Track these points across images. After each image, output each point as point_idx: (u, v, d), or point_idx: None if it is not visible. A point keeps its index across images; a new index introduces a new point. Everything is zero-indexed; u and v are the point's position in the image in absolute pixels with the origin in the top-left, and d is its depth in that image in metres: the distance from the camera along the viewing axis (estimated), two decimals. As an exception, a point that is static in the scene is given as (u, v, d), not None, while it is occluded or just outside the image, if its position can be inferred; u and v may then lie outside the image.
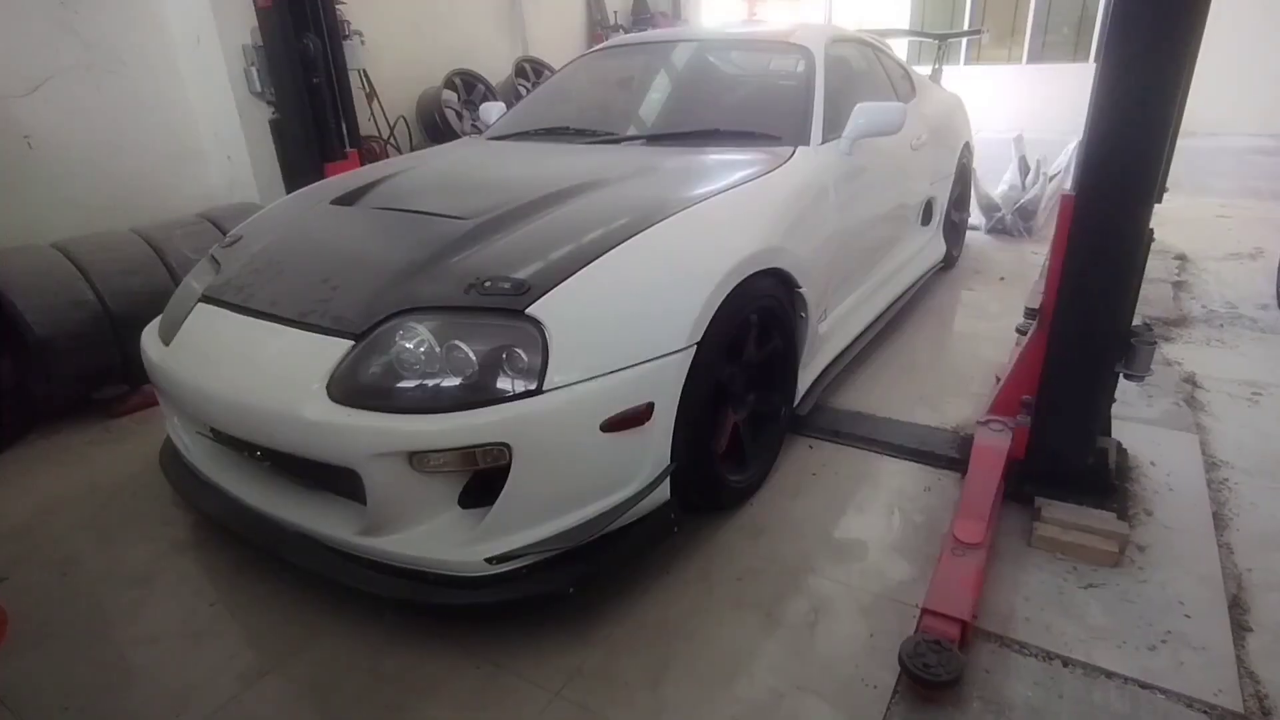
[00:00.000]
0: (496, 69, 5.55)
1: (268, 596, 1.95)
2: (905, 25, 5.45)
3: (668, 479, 1.84)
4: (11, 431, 2.85)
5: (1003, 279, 4.22)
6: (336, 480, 1.74)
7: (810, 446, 2.53)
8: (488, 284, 1.72)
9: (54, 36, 3.31)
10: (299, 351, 1.75)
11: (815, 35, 3.05)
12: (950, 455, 2.41)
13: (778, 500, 2.25)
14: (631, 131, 2.87)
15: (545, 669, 1.68)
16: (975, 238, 5.01)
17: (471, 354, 1.62)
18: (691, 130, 2.72)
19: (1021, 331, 3.02)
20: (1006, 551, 1.98)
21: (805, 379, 2.53)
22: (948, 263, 4.21)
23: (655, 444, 1.78)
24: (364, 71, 4.32)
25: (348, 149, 3.69)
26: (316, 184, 2.81)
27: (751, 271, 2.00)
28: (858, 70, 3.45)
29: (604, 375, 1.66)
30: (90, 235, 3.24)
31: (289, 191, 3.75)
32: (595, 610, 1.83)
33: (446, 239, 1.94)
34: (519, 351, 1.62)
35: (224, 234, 3.19)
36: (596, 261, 1.78)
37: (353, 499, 1.75)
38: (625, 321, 1.73)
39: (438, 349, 1.65)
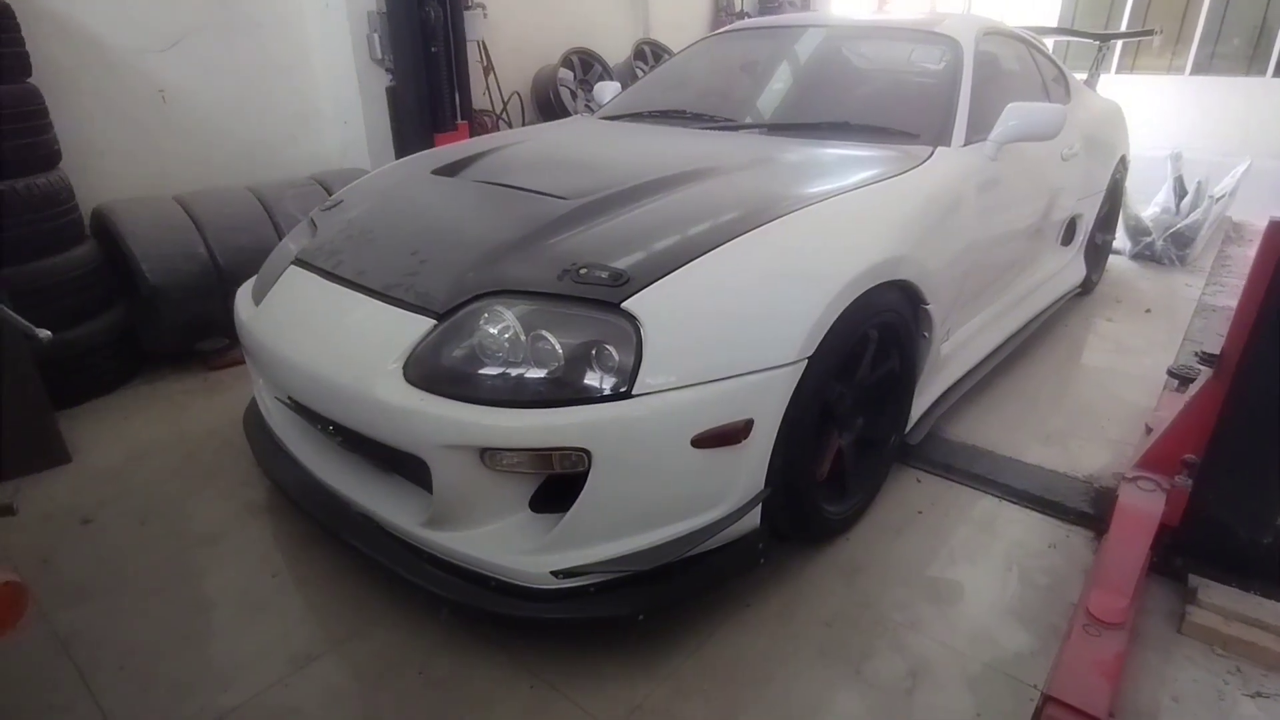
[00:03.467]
0: (616, 50, 5.42)
1: (330, 574, 1.89)
2: (1054, 23, 4.93)
3: (759, 505, 1.65)
4: (119, 375, 2.95)
5: (1149, 311, 3.76)
6: (405, 465, 1.65)
7: (918, 480, 2.27)
8: (583, 271, 1.58)
9: (192, -9, 3.40)
10: (380, 326, 1.65)
11: (965, 26, 2.75)
12: (1081, 509, 2.10)
13: (878, 537, 2.02)
14: (752, 119, 2.66)
15: (603, 699, 1.53)
16: (1117, 263, 4.51)
17: (558, 346, 1.48)
18: (818, 122, 2.49)
19: (1175, 375, 2.65)
20: (1149, 635, 1.69)
21: (919, 405, 2.28)
22: (1085, 288, 3.79)
23: (750, 465, 1.59)
24: (483, 44, 4.27)
25: (459, 120, 3.64)
26: (423, 153, 2.74)
27: (877, 282, 1.77)
28: (1008, 68, 3.12)
29: (701, 384, 1.48)
30: (209, 189, 3.31)
31: (398, 157, 3.75)
32: (664, 638, 1.67)
33: (544, 219, 1.81)
34: (610, 349, 1.47)
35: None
36: (704, 257, 1.60)
37: (421, 487, 1.65)
38: (730, 326, 1.55)
39: (523, 338, 1.51)
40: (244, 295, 2.14)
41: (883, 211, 1.94)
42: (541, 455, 1.46)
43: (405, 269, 1.77)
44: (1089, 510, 2.08)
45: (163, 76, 3.36)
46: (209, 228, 3.09)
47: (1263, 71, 8.92)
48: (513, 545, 1.54)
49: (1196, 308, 3.73)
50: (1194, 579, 1.75)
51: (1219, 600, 1.68)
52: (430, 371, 1.53)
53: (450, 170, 2.31)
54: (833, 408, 1.83)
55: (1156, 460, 1.92)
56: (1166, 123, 8.54)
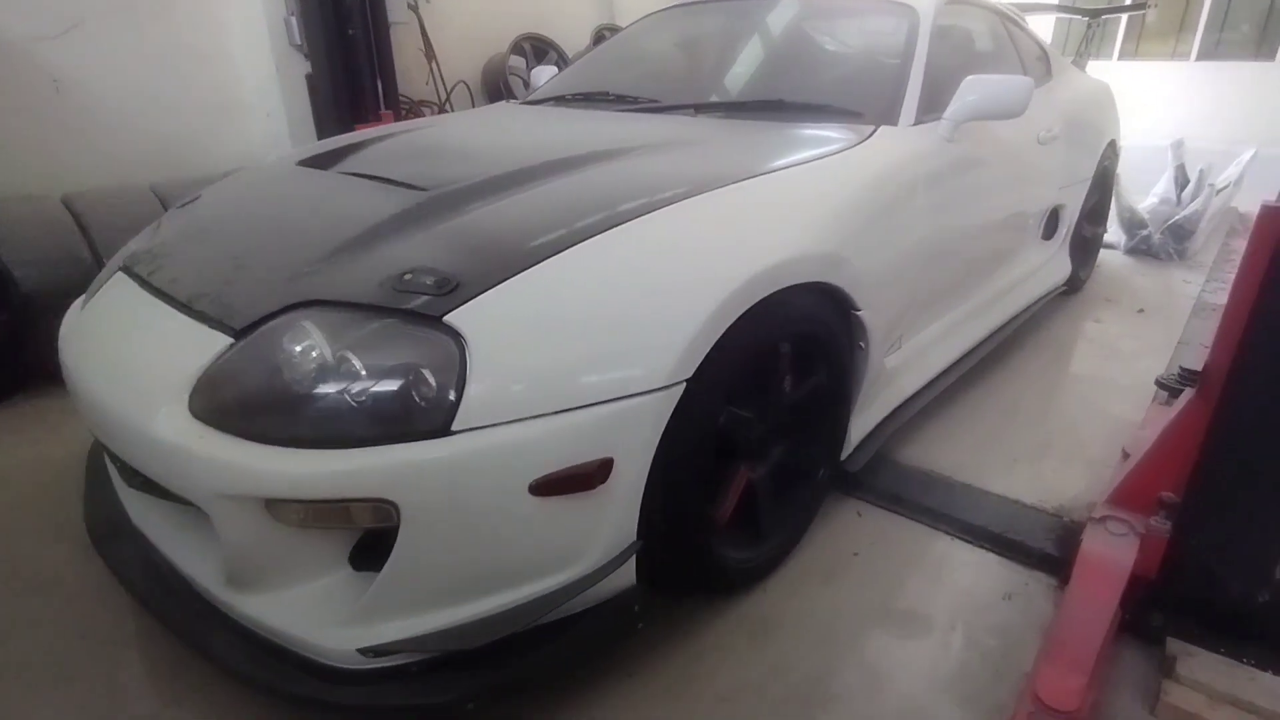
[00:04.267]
0: (576, 37, 5.11)
1: (156, 632, 1.60)
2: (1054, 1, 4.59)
3: (633, 559, 1.35)
4: (-4, 390, 2.68)
5: (1142, 311, 3.43)
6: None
7: (859, 514, 1.96)
8: (408, 277, 1.28)
9: (92, -28, 3.12)
10: (174, 346, 1.36)
11: (925, -5, 2.43)
12: (1045, 550, 1.79)
13: (802, 586, 1.71)
14: (679, 100, 2.35)
15: (428, 808, 1.24)
16: (1110, 258, 4.19)
17: (363, 370, 1.19)
18: (750, 100, 2.19)
19: (1165, 386, 2.33)
20: (1115, 718, 1.38)
21: (862, 425, 1.97)
22: (1072, 286, 3.47)
23: (614, 514, 1.29)
24: (423, 27, 3.97)
25: (383, 110, 3.35)
26: (315, 144, 2.46)
27: (785, 285, 1.47)
28: (976, 43, 2.81)
29: (542, 417, 1.18)
30: (104, 188, 3.04)
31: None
32: (525, 716, 1.37)
33: (388, 214, 1.51)
34: (425, 373, 1.17)
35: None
36: (559, 256, 1.30)
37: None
38: (584, 344, 1.24)
39: (330, 359, 1.22)
40: (75, 307, 1.85)
41: (800, 199, 1.64)
42: (335, 508, 1.17)
43: (221, 277, 1.47)
44: (1054, 552, 1.76)
45: (57, 64, 3.09)
46: (97, 230, 2.81)
47: (1271, 56, 8.52)
48: (319, 614, 1.24)
49: (1195, 306, 3.39)
50: (1173, 644, 1.44)
51: (1203, 674, 1.37)
52: (218, 401, 1.24)
53: (321, 161, 2.02)
54: (735, 436, 1.53)
55: (1130, 496, 1.60)
56: (1171, 110, 8.16)
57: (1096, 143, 3.32)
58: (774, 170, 1.65)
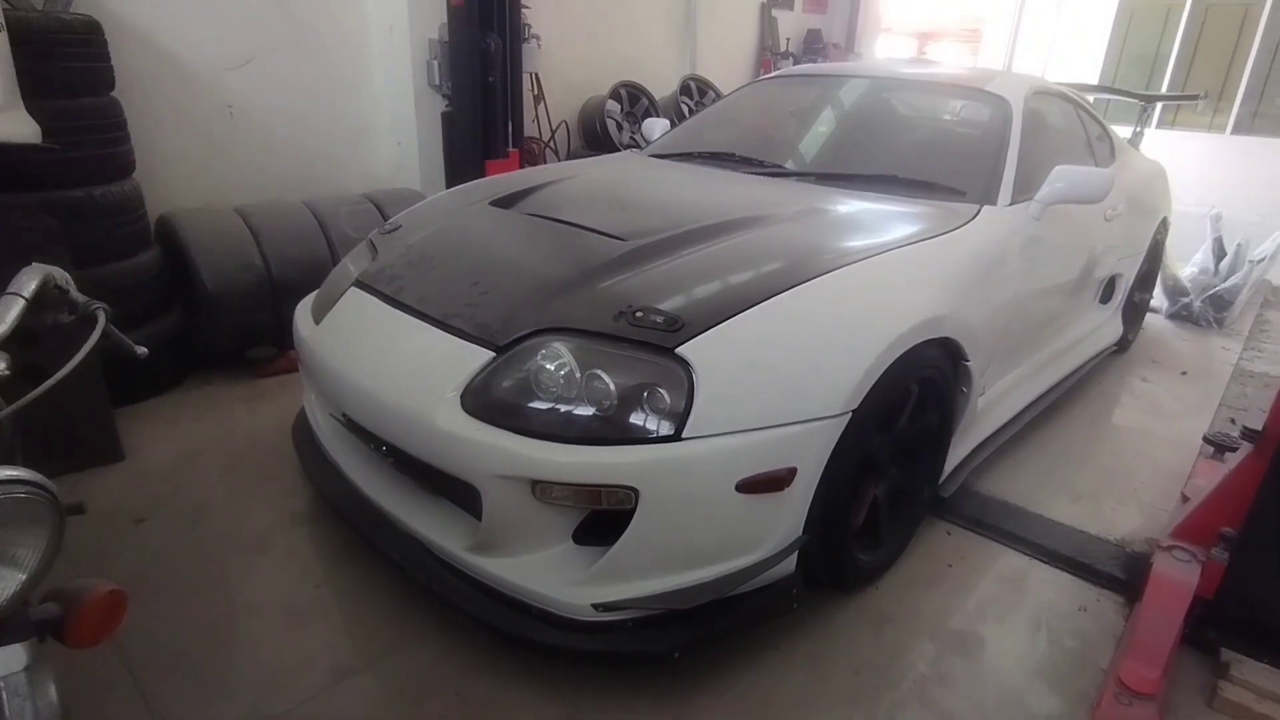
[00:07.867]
0: (662, 84, 5.53)
1: (368, 587, 1.95)
2: (1096, 81, 4.95)
3: (796, 552, 1.68)
4: (172, 377, 3.05)
5: (1185, 374, 3.75)
6: (455, 490, 1.71)
7: (948, 533, 2.29)
8: (639, 314, 1.64)
9: (267, 13, 3.54)
10: (439, 354, 1.72)
11: (1015, 86, 2.80)
12: (1113, 574, 2.11)
13: (907, 588, 2.04)
14: (801, 167, 2.73)
15: (636, 733, 1.57)
16: (1153, 321, 4.50)
17: (612, 385, 1.54)
18: (865, 173, 2.54)
19: (1212, 442, 2.66)
20: (1180, 707, 1.69)
21: (954, 457, 2.30)
22: (1121, 346, 3.79)
23: (790, 512, 1.64)
24: (535, 74, 4.40)
25: (510, 149, 3.75)
26: (476, 182, 2.84)
27: (921, 339, 1.81)
28: (1054, 127, 3.16)
29: (748, 431, 1.53)
30: (267, 202, 3.43)
31: (448, 181, 3.86)
32: (695, 675, 1.70)
33: (600, 259, 1.88)
34: (662, 391, 1.52)
35: (384, 216, 3.32)
36: (758, 307, 1.66)
37: (468, 512, 1.71)
38: (779, 377, 1.60)
39: (578, 375, 1.57)
40: (304, 311, 2.21)
41: (929, 269, 1.99)
42: (591, 491, 1.51)
43: (465, 299, 1.84)
44: (1120, 575, 2.08)
45: (232, 92, 3.51)
46: (266, 239, 3.20)
47: (1307, 134, 8.84)
48: (555, 575, 1.59)
49: (1234, 373, 3.71)
50: (1226, 653, 1.75)
51: (1252, 677, 1.68)
52: (487, 402, 1.59)
53: (506, 202, 2.39)
54: (871, 458, 1.87)
55: (1193, 530, 1.92)
56: (1206, 180, 8.49)
57: (1152, 219, 3.67)
58: (910, 243, 2.01)
